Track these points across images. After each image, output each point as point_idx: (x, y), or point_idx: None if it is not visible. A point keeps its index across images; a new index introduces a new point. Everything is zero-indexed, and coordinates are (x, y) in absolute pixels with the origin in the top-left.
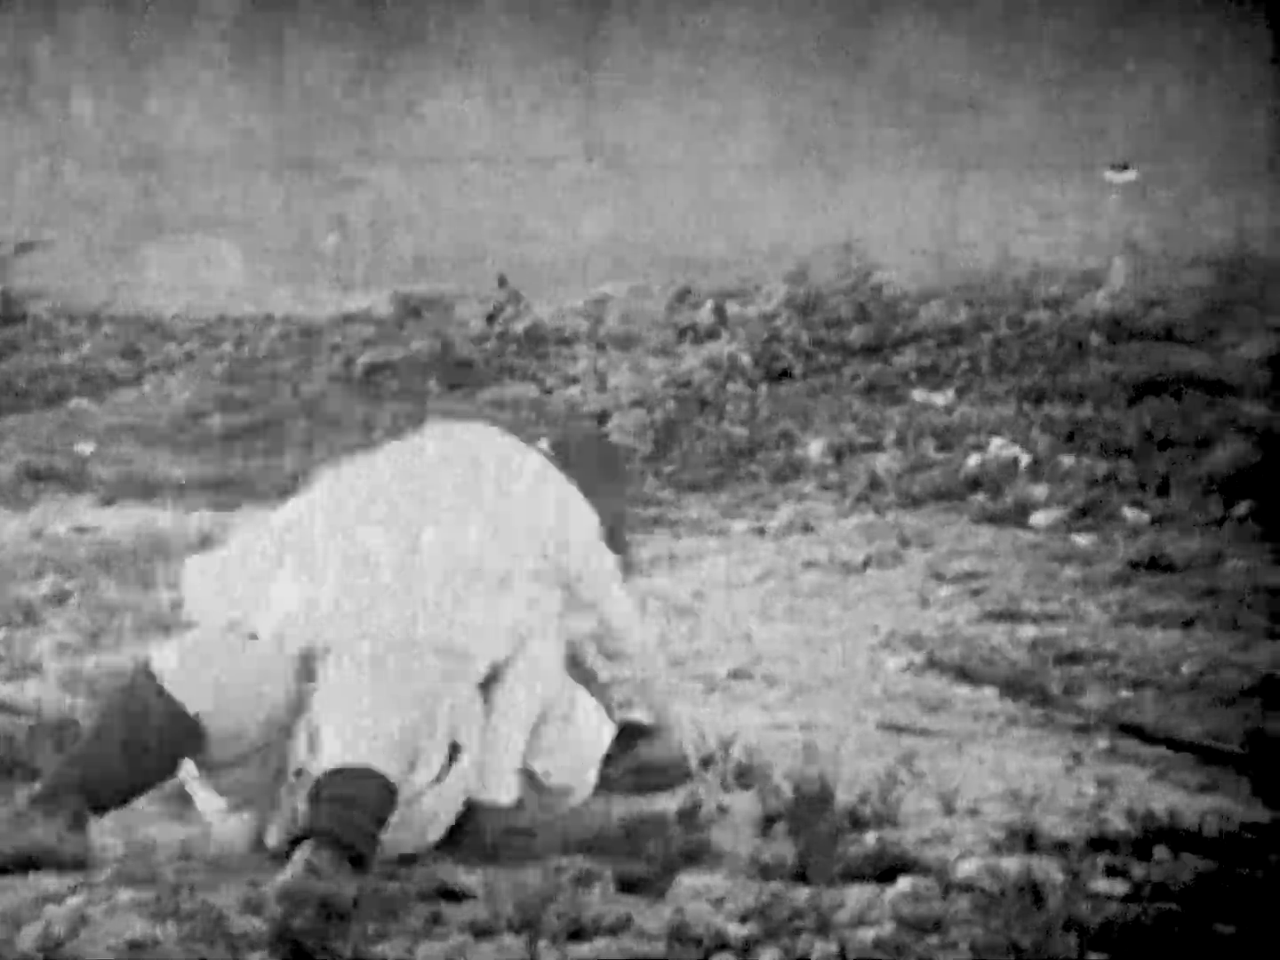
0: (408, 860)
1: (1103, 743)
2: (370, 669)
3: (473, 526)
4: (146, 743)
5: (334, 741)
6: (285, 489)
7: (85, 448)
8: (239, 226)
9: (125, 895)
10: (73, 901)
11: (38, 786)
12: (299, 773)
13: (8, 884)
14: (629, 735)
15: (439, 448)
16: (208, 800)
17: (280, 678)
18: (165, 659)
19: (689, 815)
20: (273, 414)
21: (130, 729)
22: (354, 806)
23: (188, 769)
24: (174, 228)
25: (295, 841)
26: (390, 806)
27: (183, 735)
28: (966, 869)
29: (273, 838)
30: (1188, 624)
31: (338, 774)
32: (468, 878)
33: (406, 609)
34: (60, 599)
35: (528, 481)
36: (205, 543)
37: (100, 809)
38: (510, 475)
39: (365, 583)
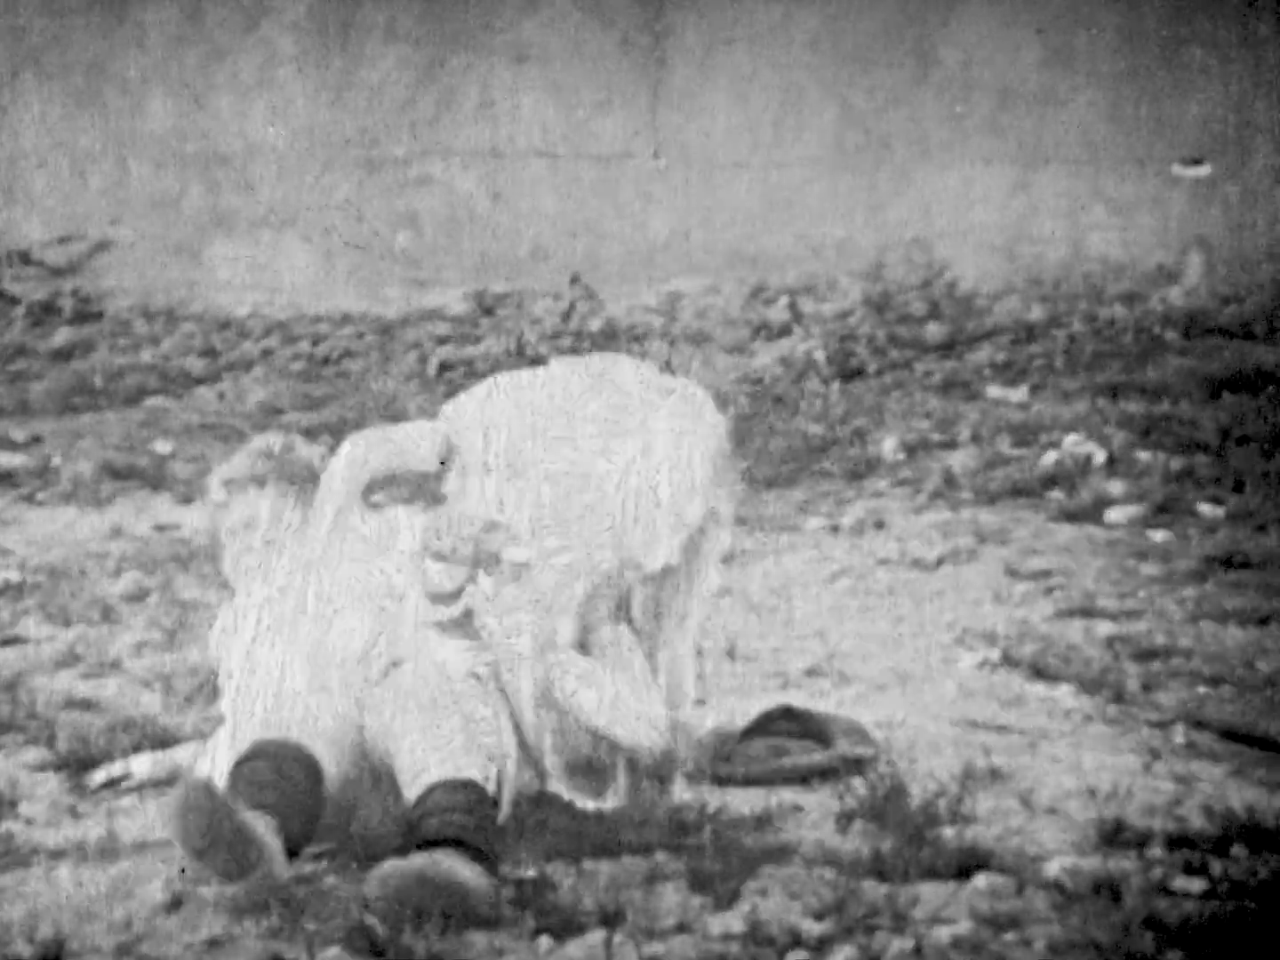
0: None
1: (1180, 740)
2: (412, 694)
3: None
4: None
5: (418, 759)
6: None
7: (164, 446)
8: (308, 224)
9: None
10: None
11: None
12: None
13: None
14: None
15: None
16: None
17: (348, 720)
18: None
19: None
20: (349, 412)
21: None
22: (466, 812)
23: None
24: (243, 225)
25: (420, 846)
26: (494, 812)
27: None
28: (1046, 867)
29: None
30: (1264, 621)
31: (436, 788)
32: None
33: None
34: (139, 597)
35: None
36: None
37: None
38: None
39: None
